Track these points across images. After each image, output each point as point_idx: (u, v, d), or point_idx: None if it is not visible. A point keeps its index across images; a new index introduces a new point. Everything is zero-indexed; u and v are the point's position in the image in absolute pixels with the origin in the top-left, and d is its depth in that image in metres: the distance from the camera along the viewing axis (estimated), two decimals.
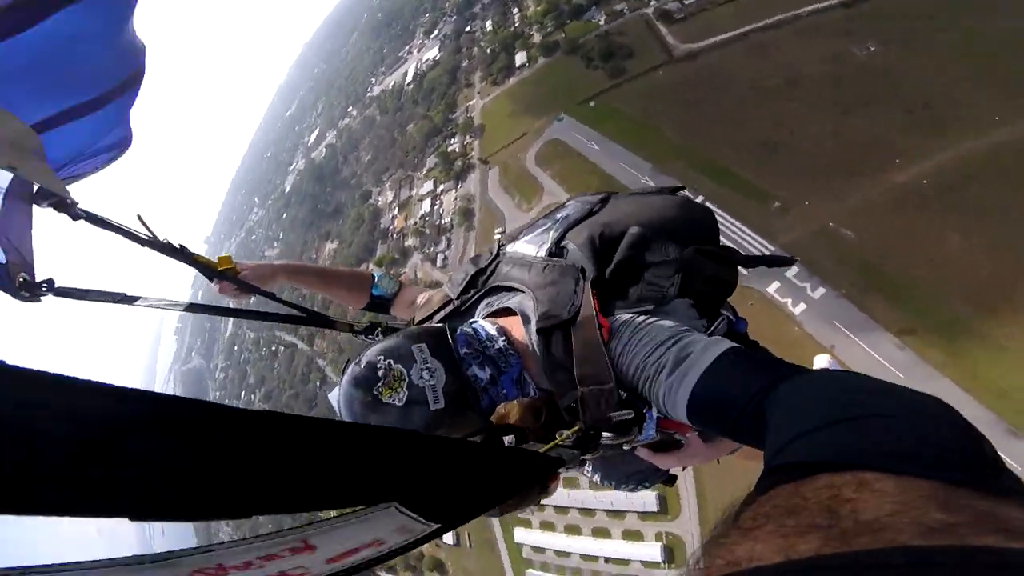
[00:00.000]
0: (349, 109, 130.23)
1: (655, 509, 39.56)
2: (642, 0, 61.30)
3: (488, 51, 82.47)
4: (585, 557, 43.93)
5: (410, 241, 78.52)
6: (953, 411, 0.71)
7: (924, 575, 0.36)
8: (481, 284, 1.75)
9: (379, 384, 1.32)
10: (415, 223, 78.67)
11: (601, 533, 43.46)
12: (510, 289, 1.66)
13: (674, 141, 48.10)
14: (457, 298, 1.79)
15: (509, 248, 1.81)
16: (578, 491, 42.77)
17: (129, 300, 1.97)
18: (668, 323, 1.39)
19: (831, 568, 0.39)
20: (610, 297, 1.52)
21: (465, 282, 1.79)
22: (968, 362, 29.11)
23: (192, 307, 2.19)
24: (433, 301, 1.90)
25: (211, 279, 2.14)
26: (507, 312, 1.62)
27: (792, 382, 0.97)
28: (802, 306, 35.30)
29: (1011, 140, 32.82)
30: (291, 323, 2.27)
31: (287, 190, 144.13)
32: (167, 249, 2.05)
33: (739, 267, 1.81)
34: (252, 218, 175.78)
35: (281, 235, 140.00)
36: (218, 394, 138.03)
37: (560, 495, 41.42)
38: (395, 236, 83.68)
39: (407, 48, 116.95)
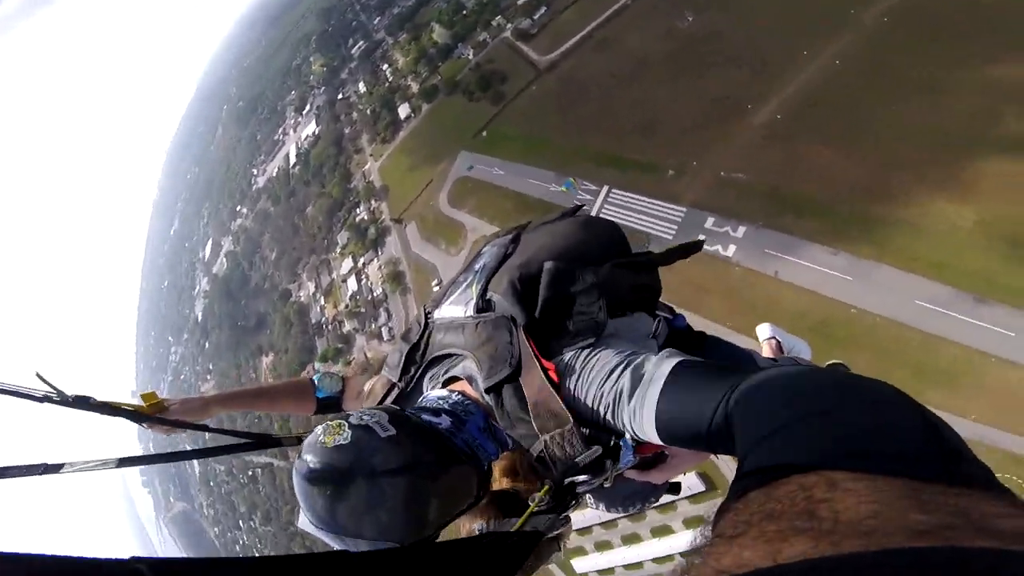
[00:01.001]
0: (238, 208, 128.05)
1: (703, 489, 38.82)
2: (500, 26, 68.30)
3: (368, 112, 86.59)
4: (656, 560, 44.00)
5: (347, 326, 77.85)
6: (906, 397, 0.77)
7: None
8: (419, 359, 1.80)
9: (319, 438, 1.29)
10: (346, 306, 78.73)
11: (661, 532, 43.62)
12: (450, 356, 1.73)
13: (565, 146, 53.97)
14: (399, 380, 1.82)
15: (437, 315, 1.86)
16: None
17: (53, 469, 1.85)
18: (612, 351, 1.47)
19: (829, 570, 0.42)
20: (548, 338, 1.58)
21: (402, 362, 1.83)
22: (897, 247, 34.39)
23: (124, 462, 2.02)
24: (376, 390, 1.92)
25: (140, 423, 2.07)
26: (454, 380, 1.68)
27: (748, 384, 1.03)
28: (732, 247, 40.18)
29: (823, 65, 41.94)
30: (235, 453, 2.16)
31: (199, 318, 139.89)
32: (76, 403, 1.95)
33: (657, 267, 1.93)
34: (173, 358, 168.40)
35: (211, 366, 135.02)
36: (216, 530, 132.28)
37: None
38: (330, 326, 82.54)
39: (280, 130, 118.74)
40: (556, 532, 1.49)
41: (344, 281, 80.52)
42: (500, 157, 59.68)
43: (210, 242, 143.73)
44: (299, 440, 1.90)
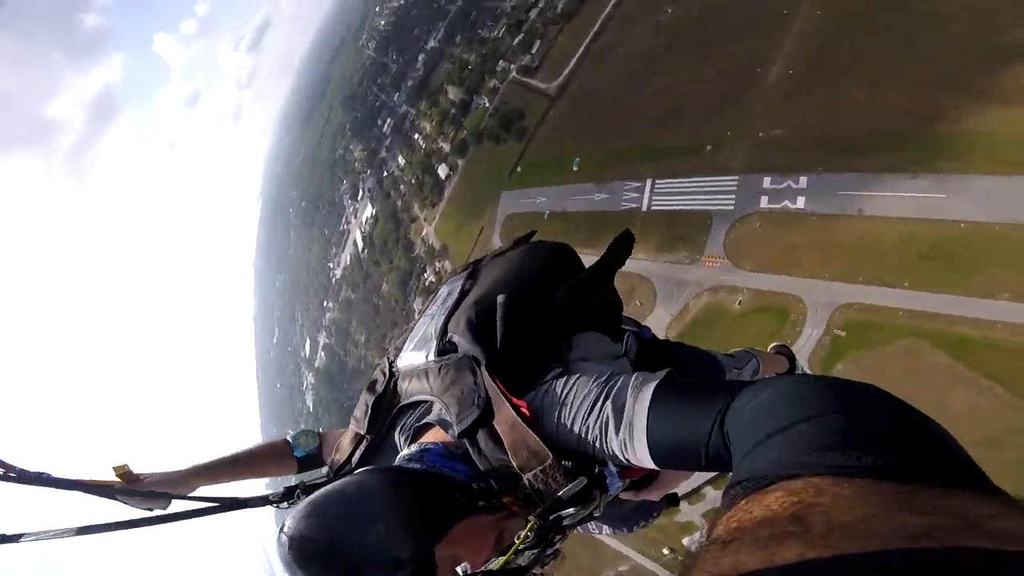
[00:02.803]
0: (324, 304, 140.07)
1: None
2: (504, 69, 75.30)
3: (413, 181, 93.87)
4: None
5: None
6: (892, 399, 0.80)
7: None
8: (387, 410, 1.82)
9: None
10: None
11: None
12: (419, 403, 1.74)
13: (596, 155, 57.42)
14: (367, 433, 1.84)
15: (400, 362, 1.88)
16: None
17: (12, 539, 1.74)
18: (587, 377, 1.50)
19: (827, 571, 0.45)
20: (514, 373, 1.59)
21: (368, 414, 1.84)
22: (978, 155, 33.12)
23: (83, 530, 1.86)
24: (344, 445, 1.94)
25: (112, 498, 1.96)
26: (427, 428, 1.69)
27: (738, 401, 1.08)
28: (801, 199, 39.54)
29: (806, 16, 43.94)
30: (200, 516, 2.03)
31: (311, 407, 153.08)
32: (35, 480, 1.85)
33: (611, 278, 1.97)
34: None
35: None
36: None
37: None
38: None
39: (343, 220, 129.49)
40: (542, 569, 1.55)
41: None
42: (539, 186, 64.00)
43: (308, 341, 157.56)
44: (266, 501, 2.04)
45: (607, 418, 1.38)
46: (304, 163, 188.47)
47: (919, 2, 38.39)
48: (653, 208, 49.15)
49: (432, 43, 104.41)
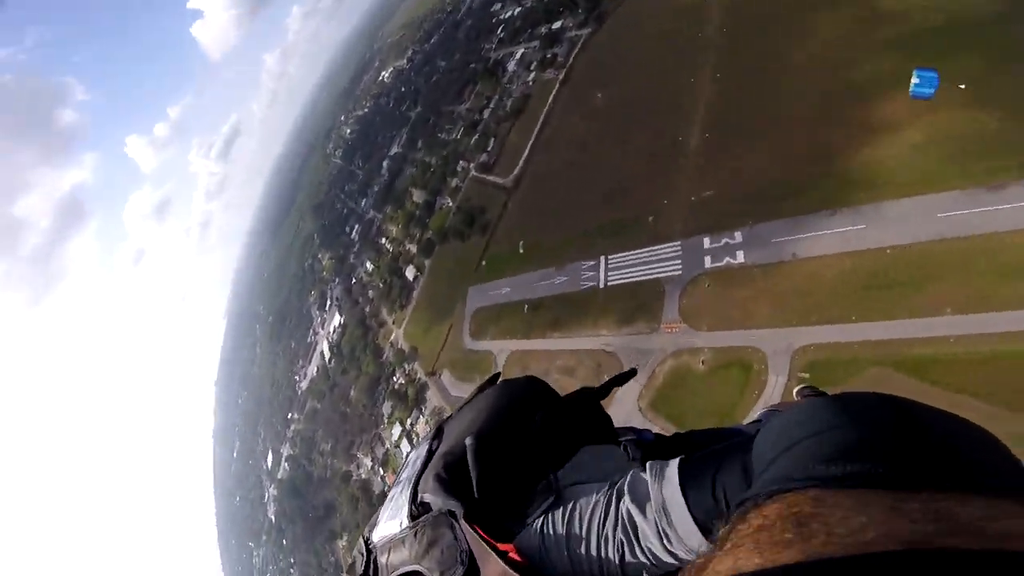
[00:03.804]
0: (289, 416, 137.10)
1: None
2: (464, 168, 79.60)
3: (381, 285, 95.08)
4: None
5: None
6: (888, 406, 0.83)
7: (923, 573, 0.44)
8: None
9: None
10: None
11: None
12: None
13: (554, 240, 60.08)
14: None
15: (375, 537, 1.78)
16: None
17: None
18: (587, 497, 1.42)
19: (826, 571, 0.48)
20: (498, 519, 1.51)
21: None
22: (882, 183, 36.74)
23: None
24: None
25: None
26: None
27: (757, 438, 1.08)
28: (740, 253, 42.31)
29: (709, 81, 52.55)
30: None
31: (273, 520, 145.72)
32: None
33: (596, 401, 1.87)
34: (256, 561, 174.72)
35: (292, 560, 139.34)
36: None
37: None
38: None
39: (311, 331, 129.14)
40: None
41: (397, 446, 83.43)
42: (504, 277, 65.50)
43: (270, 452, 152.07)
44: None
45: (627, 516, 1.27)
46: (273, 275, 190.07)
47: (775, 61, 45.96)
48: (610, 283, 51.04)
49: (396, 149, 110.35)
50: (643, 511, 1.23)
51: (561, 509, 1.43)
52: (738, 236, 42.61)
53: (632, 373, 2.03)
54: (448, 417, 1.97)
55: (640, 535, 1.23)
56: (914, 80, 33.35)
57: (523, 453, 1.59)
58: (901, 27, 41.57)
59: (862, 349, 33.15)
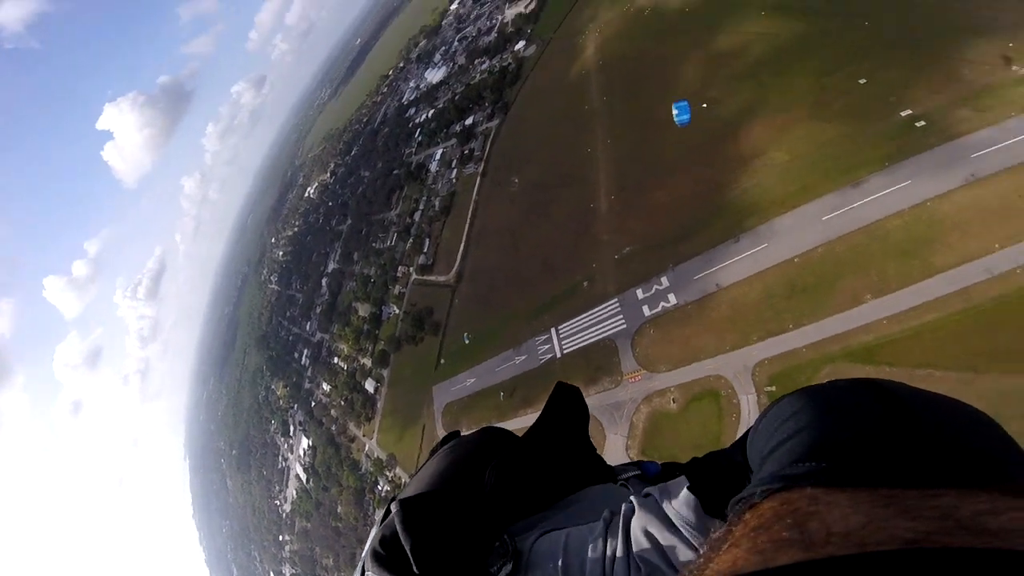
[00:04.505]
0: (281, 538, 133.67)
1: None
2: (405, 274, 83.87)
3: (342, 403, 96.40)
4: None
5: None
6: (874, 395, 0.82)
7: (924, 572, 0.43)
8: None
9: None
10: None
11: None
12: None
13: (505, 325, 64.22)
14: None
15: None
16: None
17: None
18: (577, 529, 1.36)
19: (825, 571, 0.48)
20: None
21: None
22: (764, 204, 43.10)
23: None
24: None
25: None
26: None
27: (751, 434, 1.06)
28: (671, 296, 46.88)
29: (603, 149, 60.05)
30: None
31: None
32: None
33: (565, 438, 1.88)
34: None
35: None
36: None
37: None
38: None
39: (280, 457, 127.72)
40: None
41: None
42: (465, 370, 68.50)
43: (271, 574, 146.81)
44: None
45: (644, 537, 1.18)
46: (227, 412, 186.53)
47: (651, 116, 54.49)
48: (566, 351, 54.79)
49: (332, 265, 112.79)
50: (664, 525, 1.16)
51: (526, 572, 1.37)
52: (664, 281, 48.01)
53: (572, 389, 2.11)
54: (403, 488, 1.92)
55: (667, 551, 1.14)
56: (675, 112, 42.81)
57: (469, 514, 1.53)
58: (744, 59, 50.90)
59: (810, 351, 36.44)
